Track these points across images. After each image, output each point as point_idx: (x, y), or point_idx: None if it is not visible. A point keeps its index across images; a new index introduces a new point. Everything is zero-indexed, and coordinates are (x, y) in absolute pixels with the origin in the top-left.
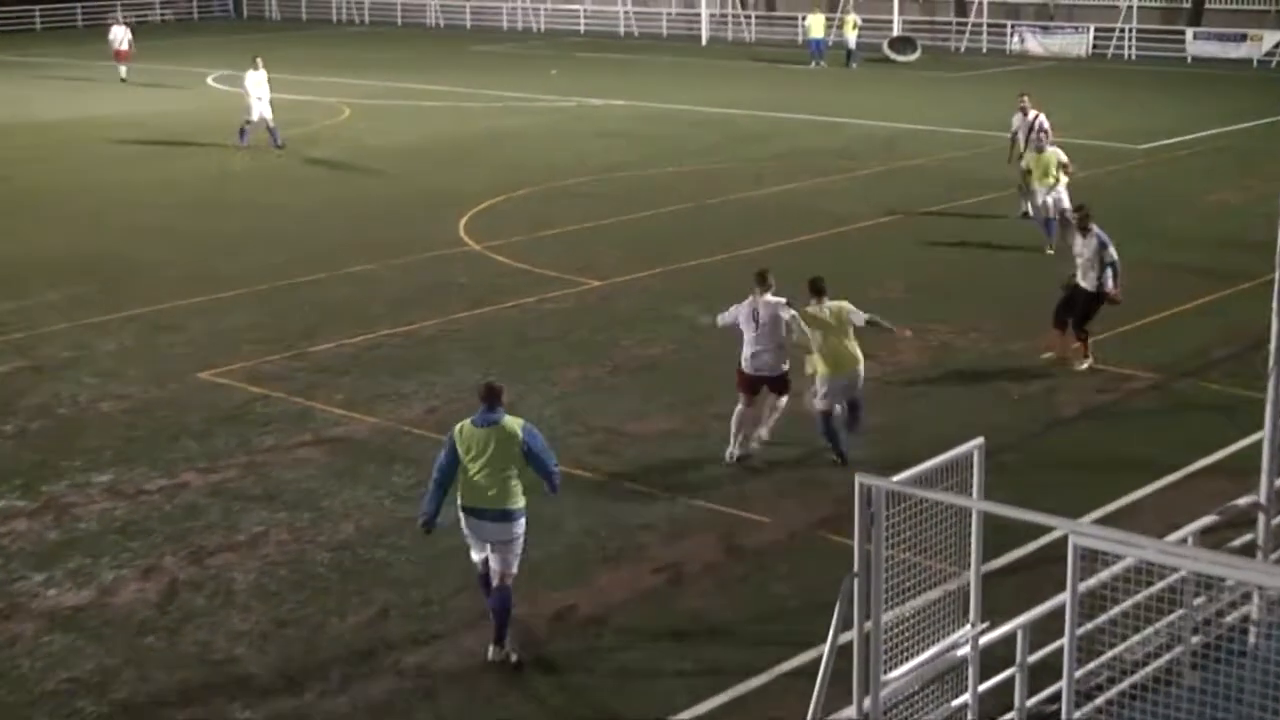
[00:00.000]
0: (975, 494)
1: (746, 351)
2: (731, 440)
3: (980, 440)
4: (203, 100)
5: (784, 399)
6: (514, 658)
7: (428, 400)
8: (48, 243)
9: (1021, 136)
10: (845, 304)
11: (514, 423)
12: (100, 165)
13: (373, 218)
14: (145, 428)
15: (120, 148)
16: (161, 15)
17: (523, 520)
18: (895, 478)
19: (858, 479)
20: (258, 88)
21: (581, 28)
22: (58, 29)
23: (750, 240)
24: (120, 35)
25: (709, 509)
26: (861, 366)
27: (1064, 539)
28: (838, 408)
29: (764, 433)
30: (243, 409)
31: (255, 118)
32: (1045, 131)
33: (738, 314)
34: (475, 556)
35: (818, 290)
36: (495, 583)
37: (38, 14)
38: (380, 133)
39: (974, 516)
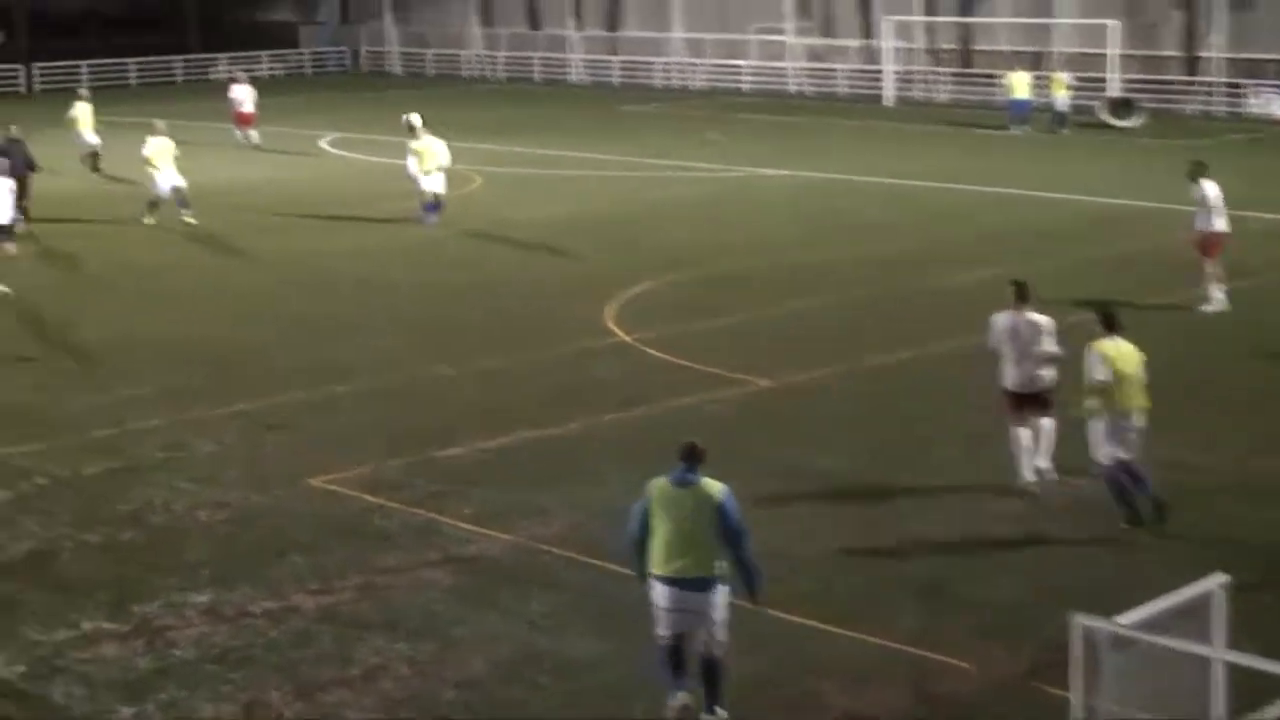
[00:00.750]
0: (1217, 641)
1: (1007, 369)
2: (1018, 464)
3: (1223, 577)
4: (317, 166)
5: (1049, 420)
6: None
7: (571, 515)
8: (142, 326)
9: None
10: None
11: (714, 485)
12: (203, 238)
13: (508, 303)
14: (248, 541)
15: (225, 218)
16: (270, 70)
17: (723, 590)
18: (1121, 619)
19: (1075, 620)
20: (435, 156)
21: (745, 86)
22: (155, 84)
23: (942, 334)
24: (244, 95)
25: (897, 650)
26: (1142, 412)
27: None
28: (1119, 455)
29: (1042, 462)
30: (359, 521)
31: (441, 189)
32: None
33: (997, 330)
34: (662, 631)
35: (1110, 323)
36: (703, 654)
37: (133, 68)
38: (516, 205)
39: (1217, 668)
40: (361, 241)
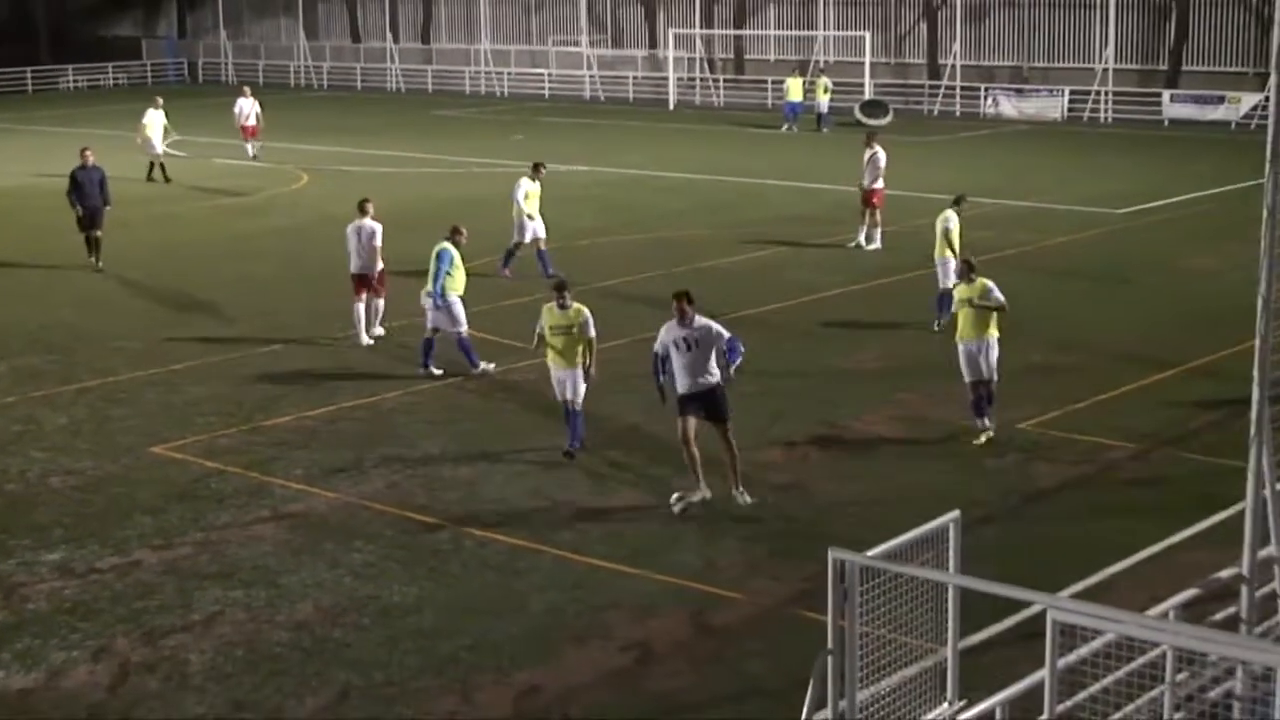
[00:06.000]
0: (951, 569)
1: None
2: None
3: (956, 513)
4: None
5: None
6: None
7: (388, 475)
8: None
9: None
10: None
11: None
12: (47, 234)
13: (335, 285)
14: (96, 504)
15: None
16: (115, 80)
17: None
18: (869, 552)
19: (831, 554)
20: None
21: (546, 92)
22: (7, 94)
23: (718, 309)
24: (248, 109)
25: (678, 584)
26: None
27: (1043, 614)
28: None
29: None
30: (197, 484)
31: (527, 238)
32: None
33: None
34: None
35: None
36: None
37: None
38: (340, 199)
39: (950, 591)
40: (188, 233)
